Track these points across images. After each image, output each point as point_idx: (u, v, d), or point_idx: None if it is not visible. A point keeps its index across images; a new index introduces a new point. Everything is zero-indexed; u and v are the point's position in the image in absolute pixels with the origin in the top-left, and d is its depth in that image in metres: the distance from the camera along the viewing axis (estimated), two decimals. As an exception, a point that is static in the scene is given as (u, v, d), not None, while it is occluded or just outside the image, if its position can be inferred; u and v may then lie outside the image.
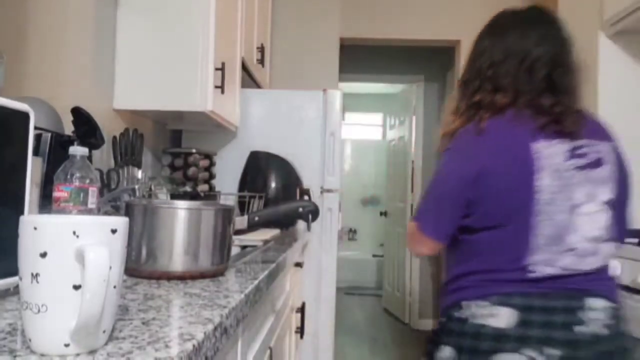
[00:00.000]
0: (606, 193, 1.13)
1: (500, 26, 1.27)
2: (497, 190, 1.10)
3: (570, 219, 1.09)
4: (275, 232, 1.93)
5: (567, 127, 1.12)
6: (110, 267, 0.51)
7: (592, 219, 1.10)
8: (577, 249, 1.09)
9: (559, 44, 1.23)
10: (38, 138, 1.13)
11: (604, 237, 1.11)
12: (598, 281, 1.12)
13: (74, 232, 0.51)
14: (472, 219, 1.13)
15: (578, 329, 1.06)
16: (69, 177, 1.00)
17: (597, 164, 1.13)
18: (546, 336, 1.05)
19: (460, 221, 1.14)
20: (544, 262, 1.08)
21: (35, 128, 0.87)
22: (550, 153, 1.10)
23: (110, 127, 1.83)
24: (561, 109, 1.14)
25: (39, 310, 0.50)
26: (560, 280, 1.09)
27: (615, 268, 1.86)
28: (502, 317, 1.07)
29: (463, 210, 1.13)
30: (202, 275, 0.94)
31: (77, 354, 0.51)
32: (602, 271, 1.14)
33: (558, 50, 1.22)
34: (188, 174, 2.26)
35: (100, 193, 1.37)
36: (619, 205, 1.15)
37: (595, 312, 1.08)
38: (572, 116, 1.14)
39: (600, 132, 1.20)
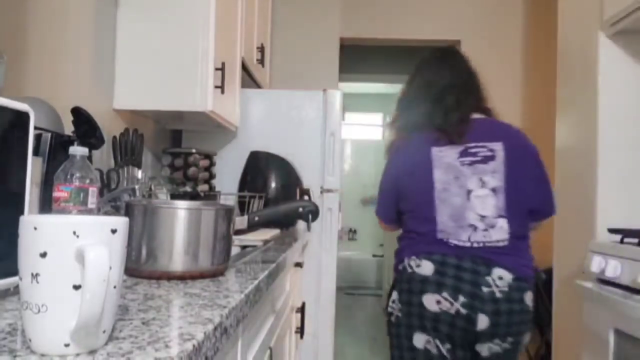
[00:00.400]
0: (494, 181, 1.49)
1: (421, 63, 1.74)
2: (410, 187, 1.57)
3: (467, 202, 1.48)
4: (275, 232, 1.93)
5: (455, 139, 1.53)
6: (110, 267, 0.51)
7: (483, 201, 1.48)
8: (474, 225, 1.47)
9: (465, 74, 1.67)
10: (38, 138, 1.13)
11: (494, 215, 1.47)
12: (506, 256, 1.46)
13: (74, 232, 0.51)
14: (400, 206, 1.61)
15: (483, 288, 1.42)
16: (69, 177, 1.00)
17: (487, 159, 1.51)
18: (457, 286, 1.43)
19: (398, 207, 1.62)
20: (449, 235, 1.48)
21: (35, 128, 0.87)
22: (442, 155, 1.53)
23: (110, 127, 1.83)
24: (452, 127, 1.55)
25: (39, 310, 0.50)
26: (471, 249, 1.46)
27: (616, 268, 1.87)
28: (425, 267, 1.48)
29: (396, 201, 1.62)
30: (202, 275, 0.94)
31: (77, 354, 0.51)
32: (510, 247, 1.47)
33: (463, 79, 1.66)
34: (188, 174, 2.26)
35: (100, 193, 1.37)
36: (514, 190, 1.49)
37: (498, 280, 1.43)
38: (460, 128, 1.54)
39: (494, 135, 1.55)
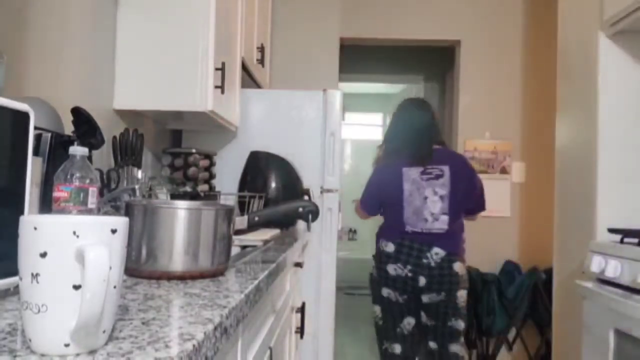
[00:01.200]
0: (442, 191, 2.29)
1: (401, 108, 2.50)
2: (388, 192, 2.37)
3: (424, 204, 2.29)
4: (275, 232, 1.93)
5: (420, 162, 2.32)
6: (110, 267, 0.51)
7: (434, 204, 2.28)
8: (426, 219, 2.28)
9: (431, 119, 2.43)
10: (38, 138, 1.13)
11: (440, 213, 2.28)
12: (441, 240, 2.27)
13: (74, 232, 0.51)
14: (382, 203, 2.42)
15: (423, 260, 2.25)
16: (69, 177, 1.00)
17: (438, 177, 2.30)
18: (407, 259, 2.27)
19: (380, 203, 2.43)
20: (410, 225, 2.29)
21: (35, 128, 0.87)
22: (410, 173, 2.32)
23: (110, 127, 1.83)
24: (420, 152, 2.34)
25: (39, 310, 0.50)
26: (420, 235, 2.28)
27: (616, 268, 1.87)
28: (389, 248, 2.32)
29: (379, 200, 2.43)
30: (202, 275, 0.94)
31: (77, 354, 0.51)
32: (446, 234, 2.28)
33: (430, 122, 2.42)
34: (188, 174, 2.26)
35: (100, 193, 1.37)
36: (454, 198, 2.29)
37: (434, 255, 2.25)
38: (425, 154, 2.33)
39: (444, 160, 2.33)
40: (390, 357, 2.39)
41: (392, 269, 2.29)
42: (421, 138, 2.36)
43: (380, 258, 2.34)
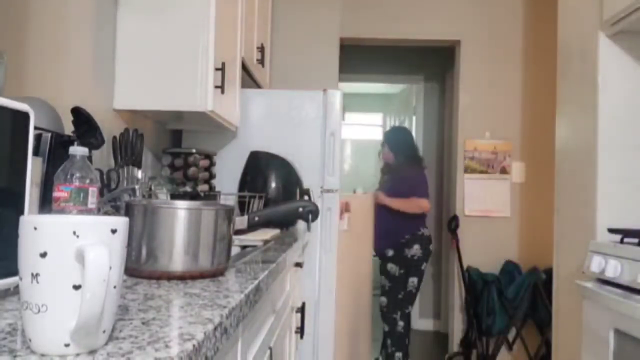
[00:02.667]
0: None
1: (392, 132, 3.84)
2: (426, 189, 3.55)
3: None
4: (275, 232, 1.93)
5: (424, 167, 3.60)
6: (110, 267, 0.51)
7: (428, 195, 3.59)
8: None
9: (411, 139, 3.73)
10: (38, 138, 1.13)
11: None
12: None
13: (74, 232, 0.51)
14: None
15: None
16: (69, 177, 1.00)
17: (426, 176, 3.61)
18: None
19: None
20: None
21: (35, 128, 0.87)
22: (426, 174, 3.58)
23: (110, 127, 1.83)
24: (422, 163, 3.61)
25: (39, 310, 0.50)
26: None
27: (616, 268, 1.87)
28: (427, 232, 3.41)
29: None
30: (202, 275, 0.94)
31: (77, 354, 0.51)
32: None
33: (414, 140, 3.78)
34: (188, 174, 2.26)
35: (100, 193, 1.37)
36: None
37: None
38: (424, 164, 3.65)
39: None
40: (408, 316, 3.35)
41: (431, 247, 3.39)
42: (418, 151, 3.64)
43: (427, 242, 3.35)
